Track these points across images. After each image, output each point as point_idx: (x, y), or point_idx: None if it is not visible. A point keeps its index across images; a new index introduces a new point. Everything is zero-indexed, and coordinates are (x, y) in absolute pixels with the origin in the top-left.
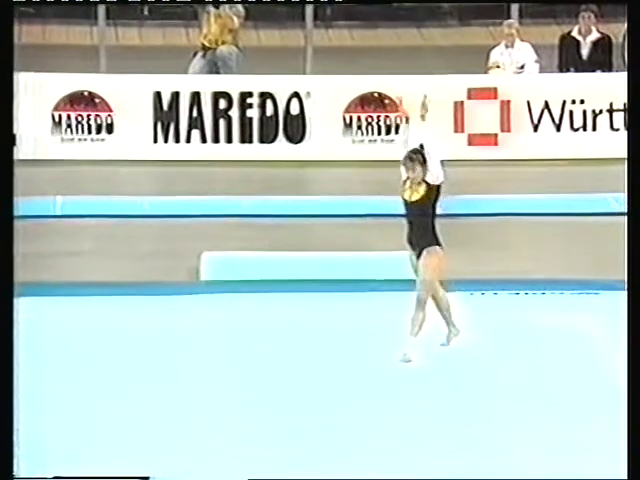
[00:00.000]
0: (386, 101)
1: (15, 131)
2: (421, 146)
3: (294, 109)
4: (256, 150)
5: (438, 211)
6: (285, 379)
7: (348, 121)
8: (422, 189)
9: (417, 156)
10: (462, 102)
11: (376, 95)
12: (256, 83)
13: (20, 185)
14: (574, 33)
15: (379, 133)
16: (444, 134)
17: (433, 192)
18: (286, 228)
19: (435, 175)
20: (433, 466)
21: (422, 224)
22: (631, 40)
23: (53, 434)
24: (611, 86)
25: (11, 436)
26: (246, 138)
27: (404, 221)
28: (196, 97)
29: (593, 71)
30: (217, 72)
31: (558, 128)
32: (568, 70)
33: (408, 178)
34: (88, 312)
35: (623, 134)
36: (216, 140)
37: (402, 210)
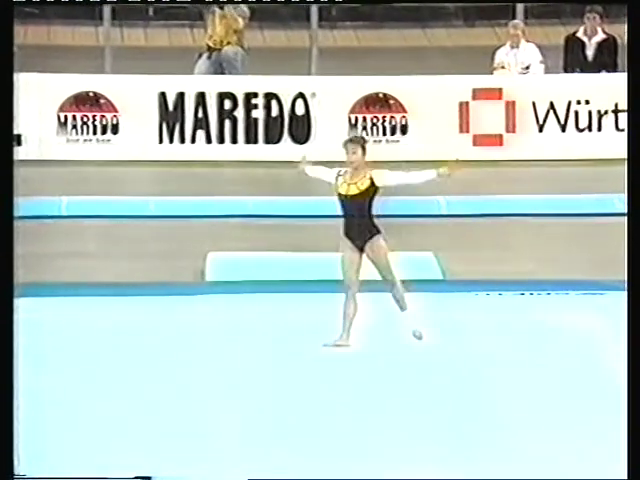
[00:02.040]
0: (391, 102)
1: (21, 132)
2: (362, 138)
3: (299, 110)
4: (261, 151)
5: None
6: (290, 379)
7: (353, 121)
8: (364, 185)
9: (359, 140)
10: (467, 102)
11: (381, 96)
12: (261, 84)
13: (25, 185)
14: (579, 34)
15: (384, 134)
16: (449, 134)
17: (374, 190)
18: (292, 229)
19: (385, 178)
20: (434, 465)
21: (362, 217)
22: (631, 40)
23: (53, 434)
24: (616, 87)
25: (11, 436)
26: (251, 139)
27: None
28: (201, 98)
29: (598, 72)
30: (222, 73)
31: (563, 129)
32: (573, 71)
33: (340, 174)
34: (93, 312)
35: None
36: (221, 141)
37: (339, 205)
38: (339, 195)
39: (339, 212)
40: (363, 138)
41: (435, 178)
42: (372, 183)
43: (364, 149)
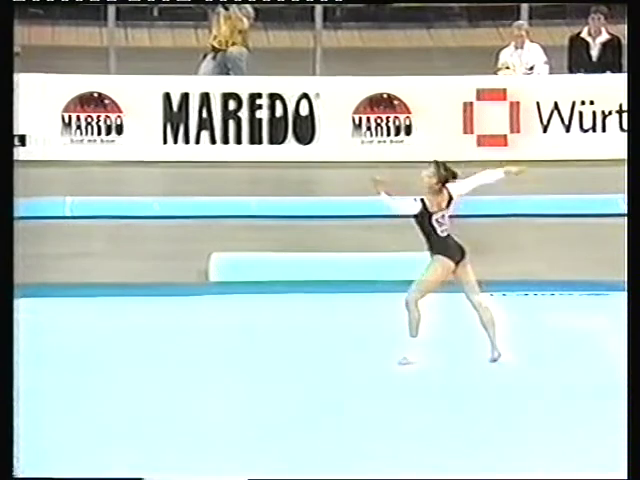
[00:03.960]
0: (395, 102)
1: (25, 132)
2: (443, 166)
3: (303, 110)
4: (265, 151)
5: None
6: (293, 380)
7: (357, 122)
8: (445, 201)
9: (446, 172)
10: (471, 103)
11: (385, 96)
12: (265, 84)
13: (30, 186)
14: (584, 34)
15: (388, 134)
16: (453, 135)
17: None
18: (295, 229)
19: (458, 189)
20: (438, 464)
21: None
22: (631, 40)
23: (53, 434)
24: (620, 87)
25: (11, 436)
26: (255, 139)
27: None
28: (205, 98)
29: (602, 72)
30: (227, 73)
31: (568, 129)
32: (578, 71)
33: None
34: (96, 313)
35: None
36: (225, 141)
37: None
38: (428, 213)
39: (344, 213)
40: (444, 167)
41: (503, 177)
42: (450, 197)
43: (441, 175)
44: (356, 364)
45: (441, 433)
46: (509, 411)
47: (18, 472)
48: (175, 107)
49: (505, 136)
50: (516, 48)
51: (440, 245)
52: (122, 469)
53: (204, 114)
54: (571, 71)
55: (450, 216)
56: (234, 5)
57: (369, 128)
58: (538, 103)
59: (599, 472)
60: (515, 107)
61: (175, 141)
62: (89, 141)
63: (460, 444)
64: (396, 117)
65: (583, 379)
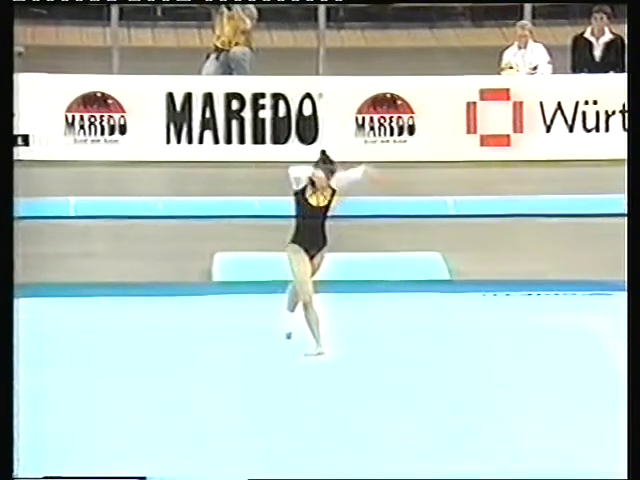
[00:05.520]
0: (398, 102)
1: (28, 132)
2: (324, 152)
3: (306, 110)
4: (269, 151)
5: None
6: (294, 379)
7: (360, 122)
8: (328, 194)
9: (329, 161)
10: (475, 103)
11: (388, 96)
12: (268, 84)
13: (33, 185)
14: (587, 34)
15: (391, 134)
16: (457, 135)
17: (334, 196)
18: None
19: (338, 179)
20: (438, 465)
21: (321, 227)
22: (631, 40)
23: (53, 434)
24: (624, 87)
25: (11, 436)
26: (259, 139)
27: (296, 223)
28: (209, 98)
29: (606, 72)
30: (231, 74)
31: (571, 129)
32: (581, 71)
33: (313, 183)
34: (99, 312)
35: None
36: (229, 141)
37: (306, 213)
38: (308, 205)
39: (347, 213)
40: (329, 157)
41: (359, 177)
42: (333, 190)
43: (333, 167)
44: (356, 363)
45: (439, 435)
46: (511, 411)
47: (18, 472)
48: (178, 107)
49: (508, 136)
50: (519, 48)
51: None
52: (122, 469)
53: (207, 114)
54: (574, 71)
55: (457, 216)
56: (237, 5)
57: (372, 128)
58: (541, 103)
59: (598, 474)
60: (518, 107)
61: (178, 141)
62: (92, 141)
63: (459, 445)
64: (399, 117)
65: (585, 378)
